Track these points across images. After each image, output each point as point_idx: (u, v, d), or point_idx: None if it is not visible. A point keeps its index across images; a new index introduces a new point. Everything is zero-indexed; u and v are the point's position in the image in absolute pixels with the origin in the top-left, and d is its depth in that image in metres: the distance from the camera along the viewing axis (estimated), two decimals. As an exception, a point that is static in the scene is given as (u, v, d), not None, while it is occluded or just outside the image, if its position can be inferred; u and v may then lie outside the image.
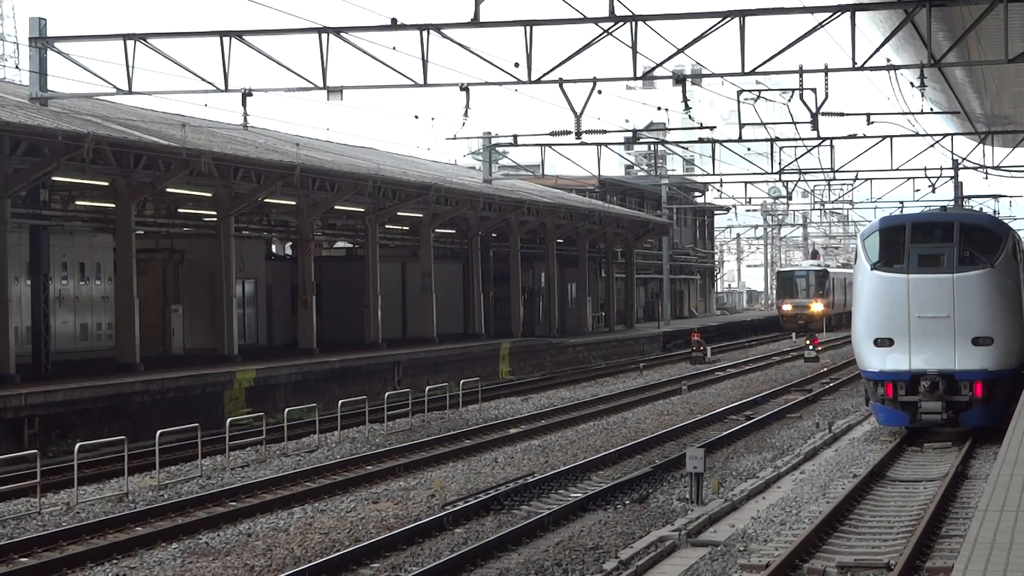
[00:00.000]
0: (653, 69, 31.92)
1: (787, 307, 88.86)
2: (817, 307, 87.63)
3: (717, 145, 51.49)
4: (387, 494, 23.72)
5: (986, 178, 58.14)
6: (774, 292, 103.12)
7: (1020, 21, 29.24)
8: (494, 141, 57.49)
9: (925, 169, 59.82)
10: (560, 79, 32.27)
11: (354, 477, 25.49)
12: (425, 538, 19.61)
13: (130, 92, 31.61)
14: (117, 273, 37.09)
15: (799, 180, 63.93)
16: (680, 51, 30.77)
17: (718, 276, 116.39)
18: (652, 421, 35.13)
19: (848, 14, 28.71)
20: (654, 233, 76.39)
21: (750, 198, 76.38)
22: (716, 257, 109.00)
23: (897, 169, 55.27)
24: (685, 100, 33.30)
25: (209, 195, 39.90)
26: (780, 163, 56.48)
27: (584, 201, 67.67)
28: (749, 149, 55.85)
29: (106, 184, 35.58)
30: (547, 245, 61.84)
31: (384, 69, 31.01)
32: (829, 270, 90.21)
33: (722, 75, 32.84)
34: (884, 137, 49.81)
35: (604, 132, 45.29)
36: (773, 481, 24.02)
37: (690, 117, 37.89)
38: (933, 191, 62.50)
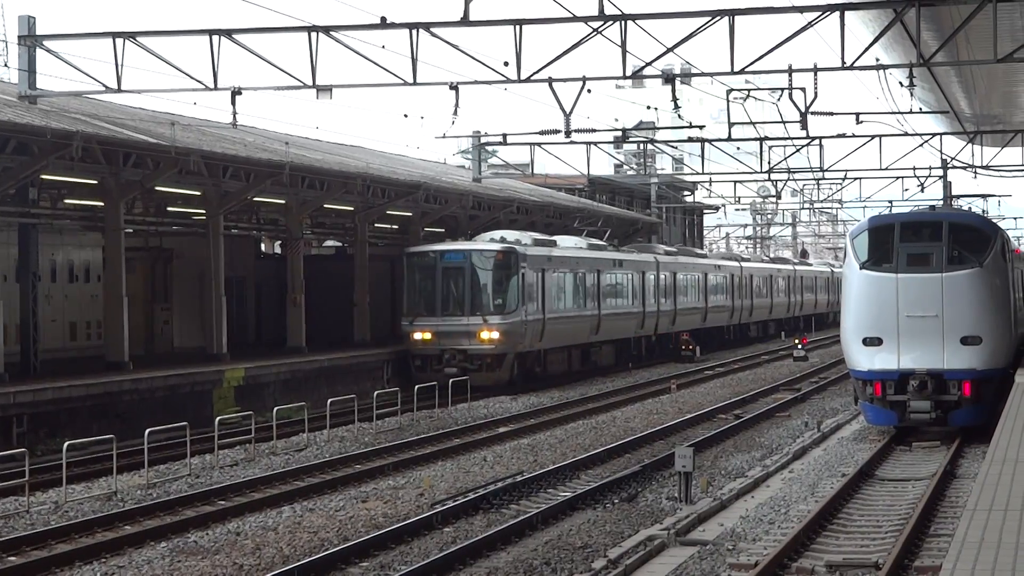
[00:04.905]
0: (642, 68, 31.93)
1: (422, 335, 43.29)
2: (490, 335, 43.03)
3: (706, 144, 51.50)
4: (376, 493, 23.72)
5: (975, 177, 58.00)
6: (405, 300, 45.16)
7: (1009, 21, 29.28)
8: (483, 140, 57.43)
9: (914, 168, 59.79)
10: (549, 78, 32.24)
11: (343, 476, 25.48)
12: (414, 537, 19.61)
13: (119, 90, 31.55)
14: (106, 271, 37.02)
15: (788, 179, 63.92)
16: (669, 50, 30.78)
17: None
18: (641, 420, 35.14)
19: (837, 13, 28.71)
20: (643, 232, 76.41)
21: (739, 197, 76.35)
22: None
23: (886, 168, 55.23)
24: (674, 99, 33.31)
25: (198, 193, 39.84)
26: (769, 162, 56.49)
27: (573, 199, 67.66)
28: (738, 148, 55.89)
29: (95, 182, 35.51)
30: (536, 244, 61.76)
31: (373, 68, 30.99)
32: (528, 252, 44.71)
33: (711, 74, 32.83)
34: (873, 136, 49.82)
35: (593, 131, 45.29)
36: (762, 480, 24.05)
37: (679, 116, 37.88)
38: (922, 190, 62.44)
